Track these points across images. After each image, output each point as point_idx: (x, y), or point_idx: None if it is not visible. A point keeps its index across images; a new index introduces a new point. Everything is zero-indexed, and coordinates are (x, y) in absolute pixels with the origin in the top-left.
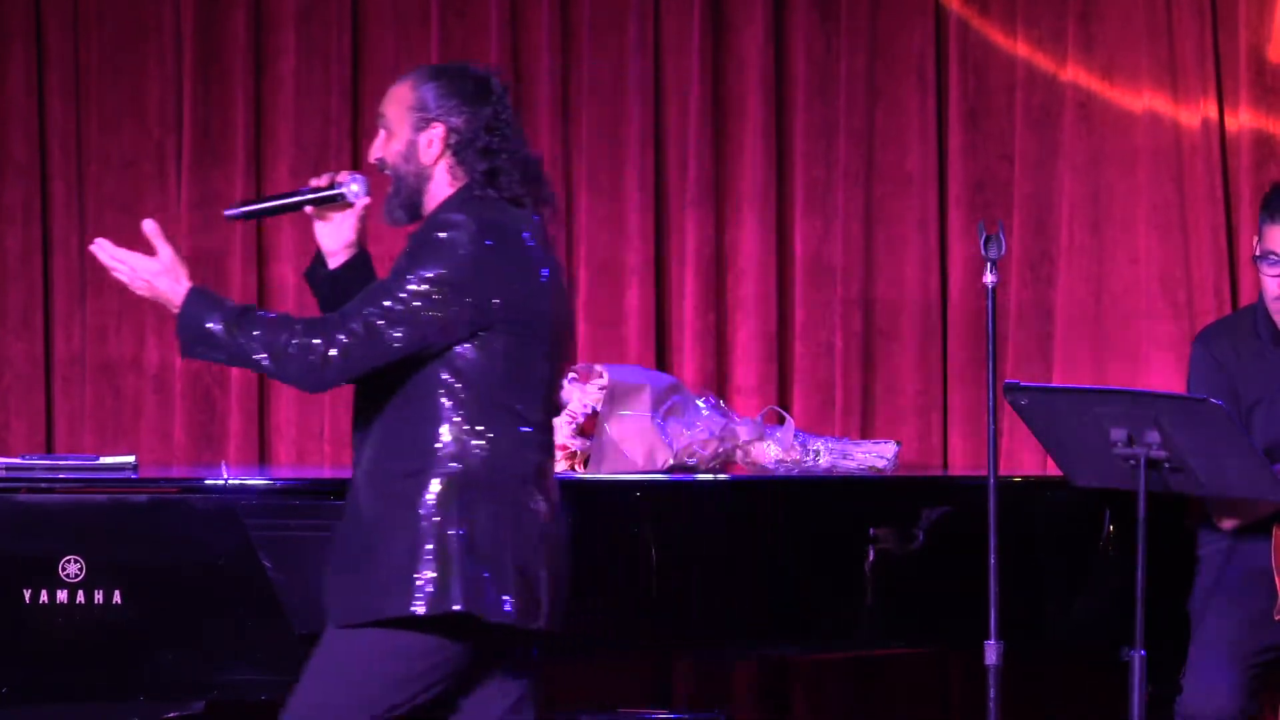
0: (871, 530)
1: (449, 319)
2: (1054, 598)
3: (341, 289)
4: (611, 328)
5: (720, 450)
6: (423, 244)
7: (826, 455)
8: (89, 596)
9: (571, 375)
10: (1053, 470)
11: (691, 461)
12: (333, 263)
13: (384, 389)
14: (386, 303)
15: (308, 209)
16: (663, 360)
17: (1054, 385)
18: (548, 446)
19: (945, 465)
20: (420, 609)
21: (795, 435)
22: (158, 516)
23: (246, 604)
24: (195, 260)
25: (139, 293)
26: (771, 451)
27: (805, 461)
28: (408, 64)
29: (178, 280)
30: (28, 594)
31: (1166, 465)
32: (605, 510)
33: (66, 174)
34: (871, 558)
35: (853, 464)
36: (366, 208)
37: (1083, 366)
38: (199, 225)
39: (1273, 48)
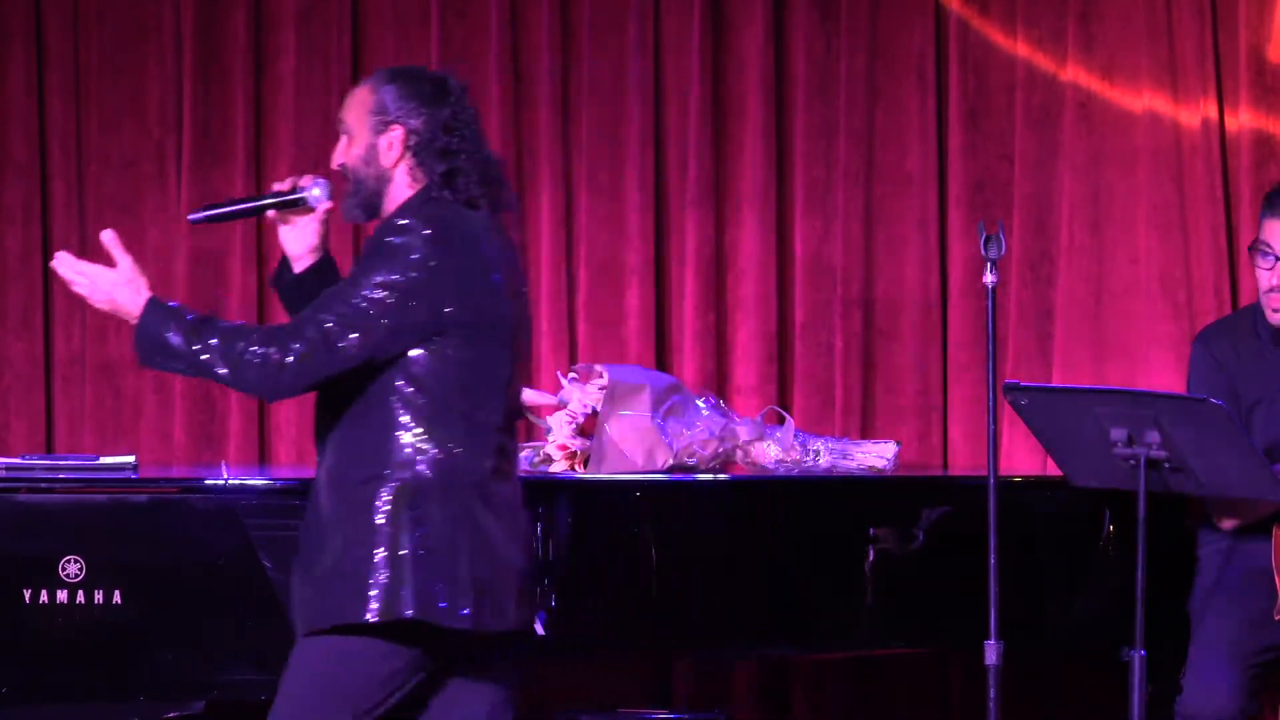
0: (871, 530)
1: (402, 325)
2: (1054, 598)
3: (306, 293)
4: (611, 328)
5: (720, 450)
6: (375, 249)
7: (826, 455)
8: (89, 596)
9: (571, 375)
10: (1053, 470)
11: (691, 461)
12: (298, 267)
13: (342, 396)
14: (340, 309)
15: (270, 213)
16: (663, 360)
17: (1054, 385)
18: (507, 450)
19: (945, 465)
20: (373, 616)
21: (795, 435)
22: (158, 516)
23: (246, 604)
24: (195, 260)
25: (99, 306)
26: (771, 451)
27: (805, 461)
28: (407, 64)
29: (138, 291)
30: (28, 594)
31: (1166, 465)
32: (605, 510)
33: (66, 174)
34: (871, 558)
35: (853, 464)
36: (329, 211)
37: (1083, 366)
38: (199, 225)
39: (1273, 48)
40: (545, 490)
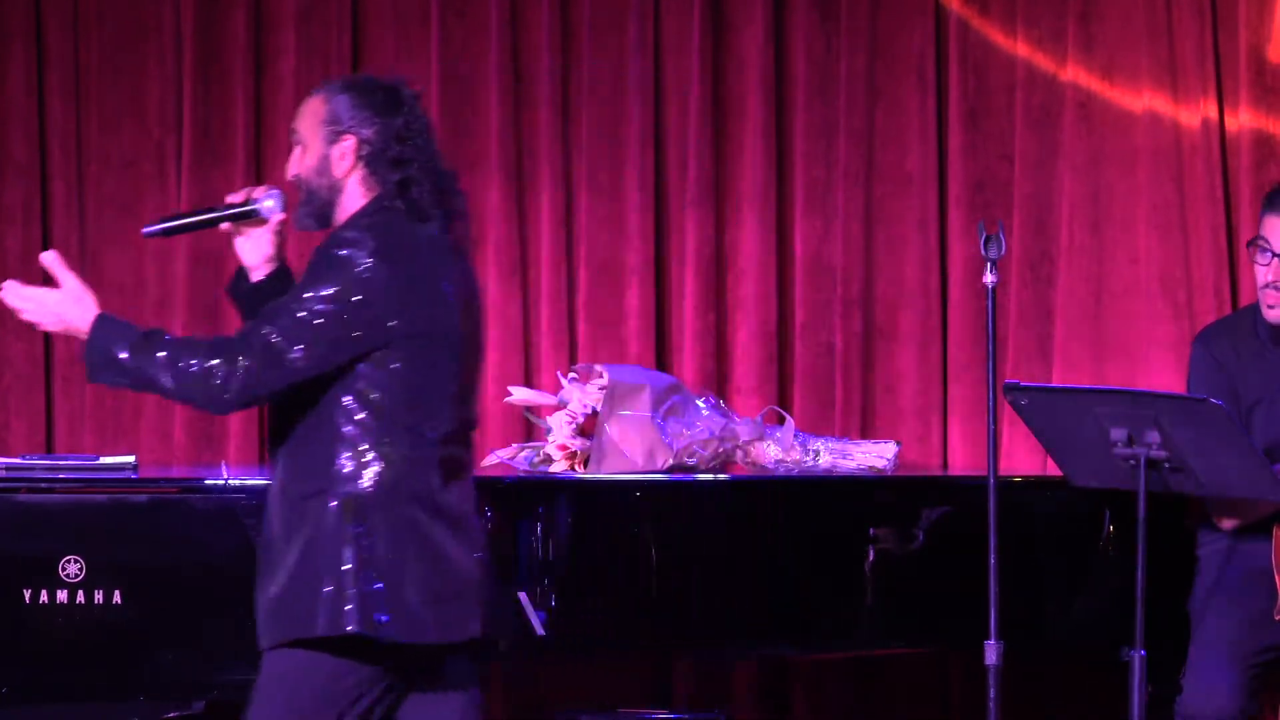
0: (871, 530)
1: (347, 337)
2: (1054, 598)
3: (263, 301)
4: (611, 328)
5: (720, 450)
6: (322, 261)
7: (826, 455)
8: (89, 596)
9: (571, 375)
10: (1053, 470)
11: (691, 461)
12: (254, 276)
13: (290, 410)
14: (284, 321)
15: (225, 225)
16: (663, 360)
17: (1054, 385)
18: (456, 460)
19: (945, 465)
20: (319, 631)
21: (795, 435)
22: (158, 516)
23: (246, 604)
24: (195, 260)
25: (50, 328)
26: (771, 451)
27: (805, 461)
28: (408, 64)
29: (86, 309)
30: (28, 594)
31: (1166, 465)
32: (605, 510)
33: (66, 174)
34: (871, 558)
35: (852, 464)
36: (282, 222)
37: (1083, 366)
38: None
39: (1273, 48)
40: (545, 490)
